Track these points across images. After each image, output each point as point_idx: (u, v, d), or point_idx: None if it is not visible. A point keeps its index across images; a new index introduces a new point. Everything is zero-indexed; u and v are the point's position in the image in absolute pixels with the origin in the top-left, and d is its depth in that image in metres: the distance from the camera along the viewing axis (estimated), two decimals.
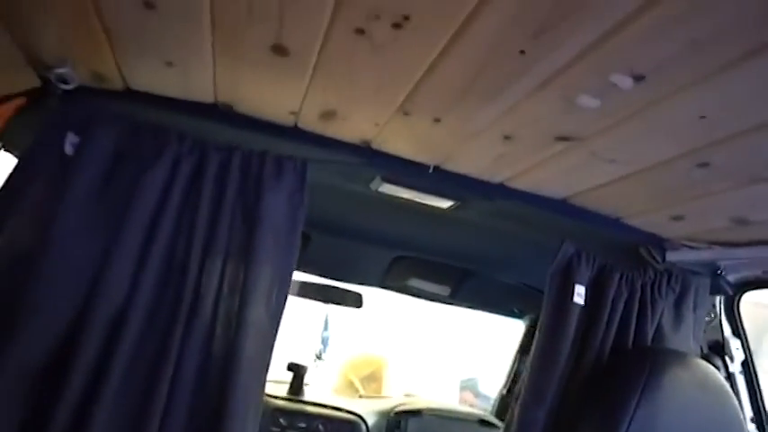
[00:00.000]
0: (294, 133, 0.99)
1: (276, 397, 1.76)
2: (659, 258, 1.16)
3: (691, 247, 1.14)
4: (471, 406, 2.74)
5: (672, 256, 1.16)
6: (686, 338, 1.18)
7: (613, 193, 1.02)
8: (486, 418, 1.97)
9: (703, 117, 0.71)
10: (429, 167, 1.05)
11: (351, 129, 0.96)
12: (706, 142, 0.78)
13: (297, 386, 1.84)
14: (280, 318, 0.94)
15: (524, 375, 1.17)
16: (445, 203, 1.17)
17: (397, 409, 1.87)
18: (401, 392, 2.30)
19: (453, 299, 1.95)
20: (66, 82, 0.84)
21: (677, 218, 1.06)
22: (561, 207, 1.11)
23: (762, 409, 1.32)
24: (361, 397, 2.19)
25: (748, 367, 1.33)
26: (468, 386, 3.48)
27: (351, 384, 2.34)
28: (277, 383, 1.83)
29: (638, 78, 0.65)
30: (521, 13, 0.58)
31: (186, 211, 0.91)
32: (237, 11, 0.66)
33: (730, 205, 0.96)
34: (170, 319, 0.86)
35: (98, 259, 0.85)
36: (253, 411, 0.90)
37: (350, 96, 0.84)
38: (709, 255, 1.14)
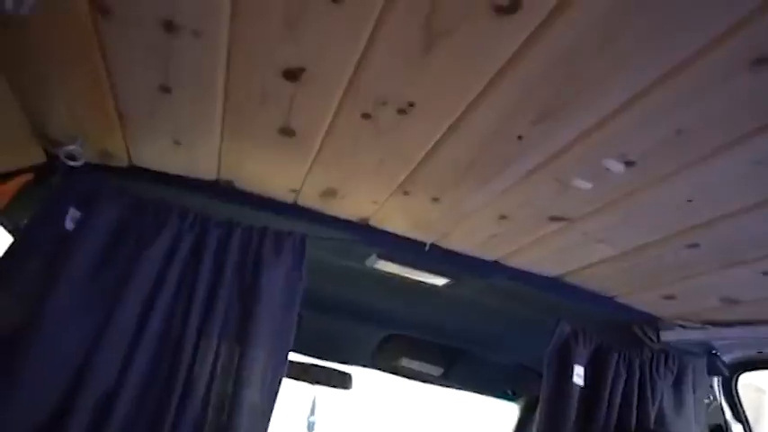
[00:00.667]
0: (293, 210, 1.01)
1: None
2: (654, 338, 1.16)
3: (684, 327, 1.15)
4: None
5: (666, 336, 1.16)
6: (688, 421, 1.16)
7: (606, 272, 1.04)
8: None
9: (690, 201, 0.75)
10: (426, 245, 1.06)
11: (350, 206, 0.98)
12: (693, 224, 0.81)
13: None
14: (274, 401, 0.91)
15: None
16: (440, 281, 1.17)
17: None
18: None
19: (446, 379, 1.90)
20: (73, 158, 0.86)
21: (669, 297, 1.07)
22: (555, 285, 1.12)
23: None
24: None
25: None
26: None
27: None
28: None
29: (629, 163, 0.69)
30: (522, 101, 0.62)
31: (183, 288, 0.90)
32: (251, 95, 0.70)
33: (719, 285, 0.98)
34: (161, 402, 0.82)
35: (90, 339, 0.82)
36: None
37: (351, 176, 0.87)
38: (702, 335, 1.14)
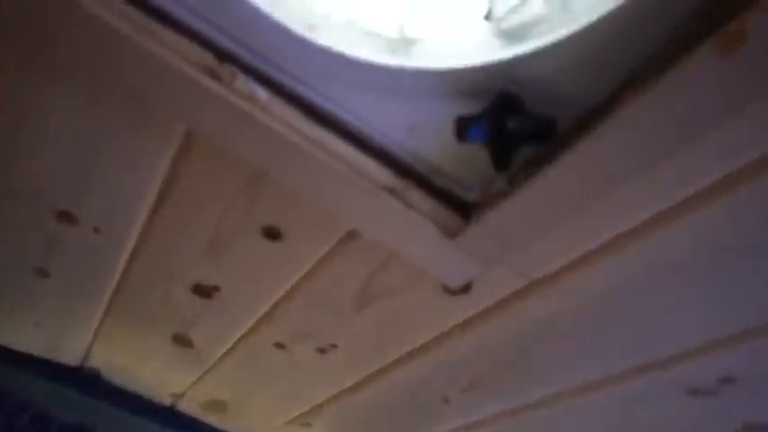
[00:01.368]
0: (168, 415, 0.84)
1: None
2: None
3: None
4: None
5: None
6: None
7: None
8: None
9: None
10: None
11: (239, 424, 0.83)
12: None
13: None
14: None
15: None
16: None
17: None
18: None
19: None
20: None
21: None
22: None
23: None
24: None
25: None
26: None
27: None
28: None
29: None
30: (450, 370, 0.56)
31: None
32: (149, 296, 0.59)
33: None
34: None
35: None
36: None
37: (248, 395, 0.74)
38: None
